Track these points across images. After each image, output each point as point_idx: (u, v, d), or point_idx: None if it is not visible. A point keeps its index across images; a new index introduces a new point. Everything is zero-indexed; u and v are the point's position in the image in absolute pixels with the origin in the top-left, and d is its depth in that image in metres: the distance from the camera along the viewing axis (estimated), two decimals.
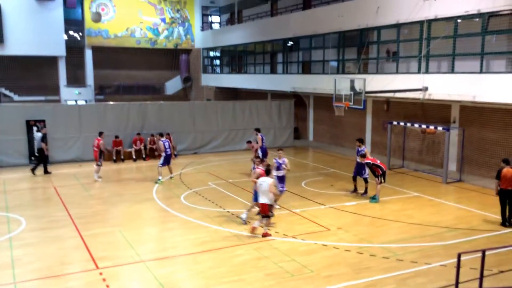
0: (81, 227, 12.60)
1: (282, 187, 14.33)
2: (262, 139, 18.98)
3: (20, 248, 11.13)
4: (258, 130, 19.78)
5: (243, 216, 12.91)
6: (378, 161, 15.23)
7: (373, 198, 15.21)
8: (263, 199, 11.83)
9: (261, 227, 11.99)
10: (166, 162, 18.03)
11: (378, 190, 15.21)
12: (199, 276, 9.60)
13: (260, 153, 18.48)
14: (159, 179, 17.86)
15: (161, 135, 19.09)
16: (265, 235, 11.86)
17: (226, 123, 25.31)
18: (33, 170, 19.34)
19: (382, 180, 15.07)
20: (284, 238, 11.82)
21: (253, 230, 11.97)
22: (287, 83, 27.22)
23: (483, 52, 16.32)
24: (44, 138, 19.36)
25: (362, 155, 15.37)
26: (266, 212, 11.88)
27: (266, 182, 11.80)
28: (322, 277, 9.54)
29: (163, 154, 17.96)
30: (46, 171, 19.51)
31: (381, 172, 14.95)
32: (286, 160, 14.42)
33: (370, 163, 15.12)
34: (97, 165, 18.31)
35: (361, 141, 16.53)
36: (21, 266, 10.05)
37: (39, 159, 19.57)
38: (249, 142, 19.54)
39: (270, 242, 11.48)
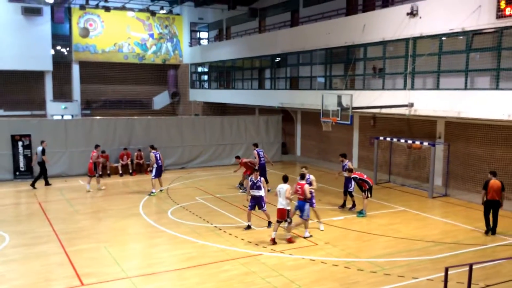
0: (66, 243, 12.42)
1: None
2: (259, 154, 18.90)
3: (3, 264, 10.93)
4: (255, 145, 19.78)
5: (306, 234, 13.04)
6: (365, 176, 15.32)
7: (360, 213, 15.25)
8: (281, 205, 12.47)
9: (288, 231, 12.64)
10: (158, 173, 18.20)
11: (365, 205, 15.26)
12: None
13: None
14: (152, 192, 17.90)
15: (153, 147, 19.07)
16: (289, 241, 12.40)
17: (213, 138, 25.29)
18: (33, 184, 19.38)
19: (369, 195, 15.14)
20: (272, 253, 11.77)
21: (289, 240, 12.56)
22: (275, 98, 27.35)
23: (467, 69, 16.60)
24: (44, 151, 19.48)
25: (348, 170, 15.50)
26: (284, 217, 12.46)
27: (284, 189, 12.51)
28: None
29: (155, 165, 18.03)
30: (47, 183, 19.78)
31: (367, 186, 15.02)
32: (312, 177, 14.26)
33: (357, 177, 15.21)
34: (97, 176, 19.07)
35: (344, 156, 16.70)
36: (4, 283, 9.85)
37: (40, 172, 19.72)
38: (237, 157, 19.52)
39: (258, 257, 11.42)
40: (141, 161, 22.72)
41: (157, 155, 18.31)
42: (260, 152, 19.01)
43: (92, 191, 18.68)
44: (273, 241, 12.34)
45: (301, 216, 12.92)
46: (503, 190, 13.18)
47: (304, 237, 12.88)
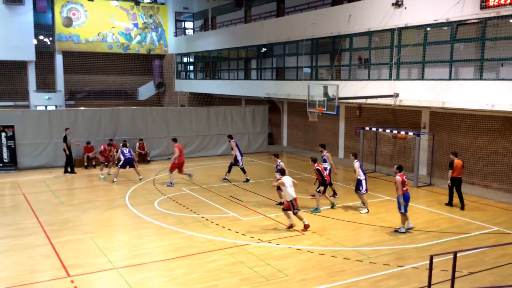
0: (52, 235, 12.33)
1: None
2: (237, 145, 18.97)
3: None
4: (230, 136, 19.81)
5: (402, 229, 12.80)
6: (326, 173, 15.10)
7: (316, 209, 14.76)
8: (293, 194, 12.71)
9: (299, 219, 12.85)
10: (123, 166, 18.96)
11: (317, 199, 14.93)
12: (173, 283, 9.50)
13: (239, 159, 18.62)
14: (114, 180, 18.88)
15: (124, 145, 19.67)
16: (306, 227, 12.76)
17: (200, 128, 25.22)
18: (66, 171, 20.49)
19: (322, 189, 14.83)
20: (259, 242, 11.82)
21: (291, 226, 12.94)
22: (261, 89, 27.33)
23: (451, 59, 16.76)
24: (65, 138, 20.11)
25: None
26: (290, 207, 12.77)
27: (289, 179, 12.89)
28: (297, 281, 9.58)
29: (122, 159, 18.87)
30: (72, 171, 20.58)
31: (320, 180, 14.79)
32: (282, 163, 14.80)
33: (319, 169, 14.86)
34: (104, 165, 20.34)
35: (323, 146, 16.74)
36: None
37: (66, 159, 20.42)
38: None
39: (245, 247, 11.47)
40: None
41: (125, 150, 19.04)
42: (237, 142, 19.24)
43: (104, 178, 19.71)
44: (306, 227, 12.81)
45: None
46: (463, 167, 15.49)
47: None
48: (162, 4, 39.39)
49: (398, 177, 12.63)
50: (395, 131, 19.27)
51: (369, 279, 9.68)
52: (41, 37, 35.80)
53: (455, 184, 15.27)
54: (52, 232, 12.53)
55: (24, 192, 17.18)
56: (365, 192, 14.88)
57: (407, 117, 20.63)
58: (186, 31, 41.03)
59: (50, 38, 36.21)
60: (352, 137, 23.72)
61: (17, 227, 13.02)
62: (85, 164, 21.66)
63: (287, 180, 12.84)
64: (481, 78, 15.84)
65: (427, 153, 19.48)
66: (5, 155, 20.61)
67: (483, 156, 17.57)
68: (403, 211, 12.60)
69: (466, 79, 16.56)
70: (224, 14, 35.04)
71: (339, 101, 18.51)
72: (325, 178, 14.90)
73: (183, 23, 41.14)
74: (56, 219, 13.80)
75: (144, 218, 13.88)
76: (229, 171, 18.98)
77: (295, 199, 12.68)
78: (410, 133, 18.60)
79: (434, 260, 8.12)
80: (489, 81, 15.56)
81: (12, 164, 20.73)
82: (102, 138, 22.45)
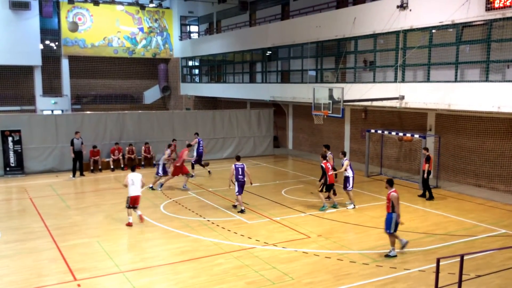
0: (58, 239, 12.38)
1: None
2: (199, 143, 20.84)
3: None
4: (197, 134, 21.71)
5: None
6: (329, 173, 15.13)
7: (322, 207, 15.15)
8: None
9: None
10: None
11: (322, 198, 15.23)
12: (179, 286, 9.51)
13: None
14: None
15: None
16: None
17: (205, 132, 25.23)
18: (81, 173, 20.88)
19: (323, 189, 15.27)
20: (265, 246, 11.81)
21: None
22: (266, 92, 27.34)
23: (457, 61, 16.70)
24: (72, 142, 20.38)
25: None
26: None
27: (139, 177, 13.70)
28: (303, 285, 9.56)
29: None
30: (80, 173, 20.91)
31: (324, 179, 15.16)
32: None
33: (322, 167, 15.17)
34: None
35: (327, 147, 17.16)
36: None
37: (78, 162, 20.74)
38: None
39: (251, 251, 11.46)
40: (132, 156, 22.64)
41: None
42: (200, 141, 20.90)
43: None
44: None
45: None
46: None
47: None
48: (167, 8, 39.54)
49: (395, 193, 11.07)
50: (401, 134, 19.22)
51: (376, 283, 9.64)
52: (47, 42, 36.03)
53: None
54: (58, 236, 12.58)
55: (30, 196, 17.27)
56: (351, 188, 15.42)
57: (413, 119, 20.57)
58: (191, 35, 41.14)
59: (56, 43, 36.44)
60: (358, 140, 23.67)
61: (24, 231, 13.08)
62: (91, 168, 21.73)
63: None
64: (487, 80, 15.76)
65: (434, 156, 19.36)
66: (12, 160, 20.71)
67: (490, 158, 17.48)
68: (392, 231, 11.11)
69: (472, 81, 16.49)
70: (229, 18, 35.11)
71: (345, 103, 18.44)
72: (328, 176, 15.03)
73: (188, 27, 41.27)
74: (63, 223, 13.85)
75: (150, 222, 13.90)
76: (192, 167, 20.59)
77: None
78: (416, 136, 18.54)
79: (441, 263, 8.09)
80: (495, 83, 15.49)
81: (19, 168, 20.83)
82: (108, 142, 22.54)
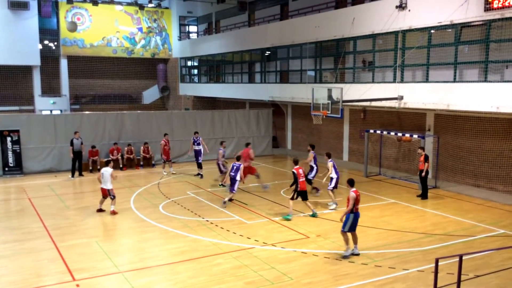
0: (57, 239, 12.36)
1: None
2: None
3: None
4: (196, 132, 21.62)
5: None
6: (301, 179, 14.15)
7: (287, 216, 14.25)
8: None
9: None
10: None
11: (290, 206, 14.29)
12: (178, 286, 9.51)
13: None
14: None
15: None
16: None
17: (204, 132, 25.20)
18: (79, 174, 20.90)
19: (295, 196, 14.21)
20: (264, 246, 11.81)
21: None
22: (265, 92, 27.34)
23: (456, 61, 16.71)
24: (71, 142, 20.42)
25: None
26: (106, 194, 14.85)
27: (108, 172, 14.59)
28: (302, 285, 9.56)
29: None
30: (79, 173, 20.94)
31: (295, 186, 14.21)
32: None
33: (294, 172, 14.28)
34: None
35: (313, 147, 17.39)
36: None
37: (77, 162, 20.80)
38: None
39: (250, 251, 11.46)
40: (131, 156, 22.63)
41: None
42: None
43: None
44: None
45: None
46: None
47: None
48: (166, 8, 39.53)
49: (353, 193, 10.99)
50: (399, 134, 19.23)
51: (375, 283, 9.65)
52: (46, 42, 36.02)
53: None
54: (57, 236, 12.56)
55: (29, 196, 17.25)
56: (331, 188, 15.47)
57: (411, 119, 20.58)
58: (190, 35, 41.13)
59: (55, 43, 36.42)
60: (357, 140, 23.68)
61: (23, 231, 13.06)
62: (90, 168, 21.71)
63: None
64: (485, 80, 15.79)
65: (432, 156, 19.38)
66: (10, 160, 20.69)
67: (489, 159, 17.50)
68: (346, 230, 11.06)
69: (471, 81, 16.50)
70: (228, 18, 35.10)
71: (344, 104, 18.47)
72: (299, 183, 14.09)
73: (187, 27, 41.26)
74: (62, 223, 13.84)
75: (149, 222, 13.89)
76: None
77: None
78: (415, 136, 18.55)
79: (439, 263, 8.10)
80: (494, 83, 15.50)
81: (17, 168, 20.81)
82: (107, 142, 22.54)
